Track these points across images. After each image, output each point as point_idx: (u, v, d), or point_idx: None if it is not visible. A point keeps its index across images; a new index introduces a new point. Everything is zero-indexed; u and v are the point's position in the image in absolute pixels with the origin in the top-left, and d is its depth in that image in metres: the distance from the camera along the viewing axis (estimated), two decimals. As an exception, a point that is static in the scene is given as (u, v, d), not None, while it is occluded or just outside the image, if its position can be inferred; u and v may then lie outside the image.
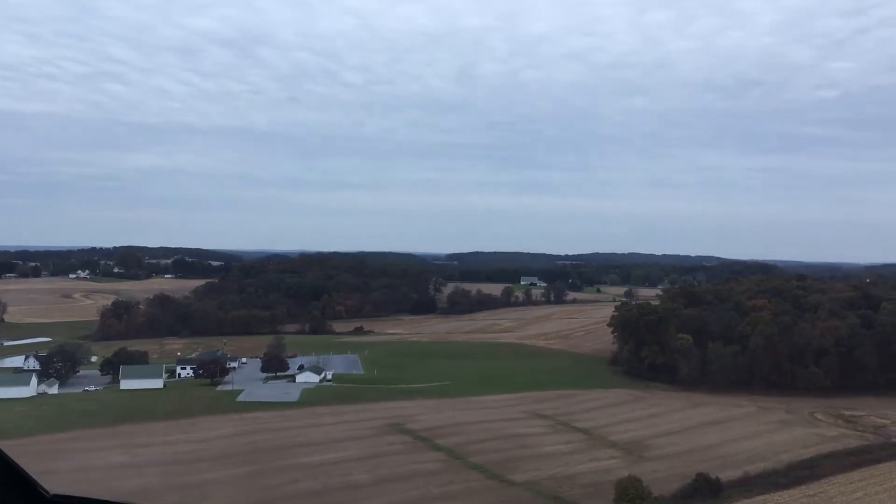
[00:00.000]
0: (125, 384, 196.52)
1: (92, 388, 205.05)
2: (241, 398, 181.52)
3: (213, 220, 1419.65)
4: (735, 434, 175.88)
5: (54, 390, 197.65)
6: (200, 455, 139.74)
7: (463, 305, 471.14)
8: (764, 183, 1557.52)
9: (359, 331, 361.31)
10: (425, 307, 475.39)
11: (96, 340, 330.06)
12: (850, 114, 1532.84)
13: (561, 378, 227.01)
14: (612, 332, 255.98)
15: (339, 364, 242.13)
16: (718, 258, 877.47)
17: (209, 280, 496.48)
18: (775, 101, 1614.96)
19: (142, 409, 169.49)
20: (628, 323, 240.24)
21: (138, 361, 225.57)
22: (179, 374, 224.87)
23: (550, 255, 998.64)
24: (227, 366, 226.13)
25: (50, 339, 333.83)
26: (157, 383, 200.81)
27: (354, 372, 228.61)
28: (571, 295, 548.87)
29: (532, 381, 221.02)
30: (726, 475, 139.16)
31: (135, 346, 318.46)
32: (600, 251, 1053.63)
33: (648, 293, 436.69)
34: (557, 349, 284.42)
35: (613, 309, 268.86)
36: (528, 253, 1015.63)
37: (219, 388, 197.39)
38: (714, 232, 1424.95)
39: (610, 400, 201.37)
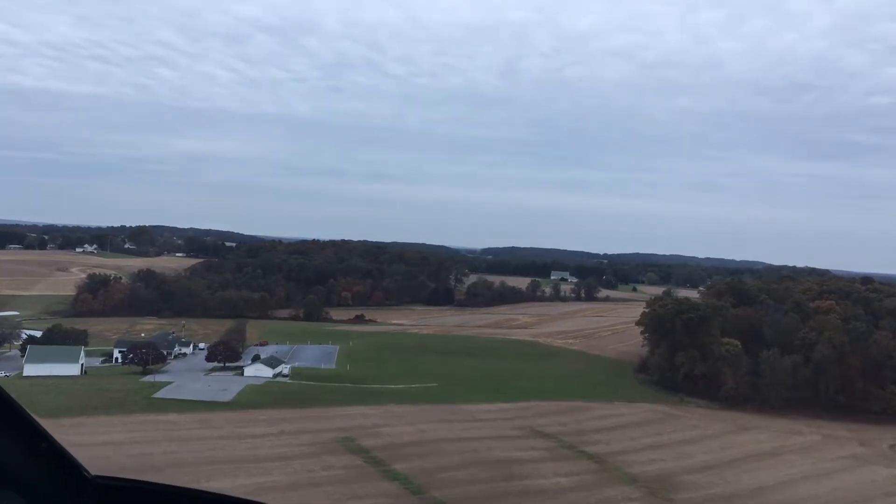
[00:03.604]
0: (29, 369, 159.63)
1: (2, 373, 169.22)
2: (161, 393, 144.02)
3: (251, 207, 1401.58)
4: (794, 472, 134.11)
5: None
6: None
7: (483, 298, 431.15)
8: (813, 189, 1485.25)
9: (359, 319, 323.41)
10: (442, 298, 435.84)
11: (67, 317, 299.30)
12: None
13: (574, 385, 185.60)
14: (642, 333, 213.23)
15: (309, 356, 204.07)
16: (764, 263, 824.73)
17: (210, 259, 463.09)
18: (827, 107, 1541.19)
19: (24, 402, 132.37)
20: (662, 321, 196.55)
21: (74, 341, 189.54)
22: (117, 359, 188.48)
23: (588, 254, 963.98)
24: (177, 351, 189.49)
25: (17, 313, 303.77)
26: (72, 369, 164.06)
27: (323, 366, 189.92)
28: (604, 292, 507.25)
29: (538, 387, 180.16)
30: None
31: (107, 323, 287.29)
32: (641, 251, 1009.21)
33: (689, 294, 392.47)
34: (576, 350, 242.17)
35: (645, 305, 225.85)
36: (565, 250, 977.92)
37: (145, 378, 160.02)
38: (760, 237, 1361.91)
39: (632, 417, 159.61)
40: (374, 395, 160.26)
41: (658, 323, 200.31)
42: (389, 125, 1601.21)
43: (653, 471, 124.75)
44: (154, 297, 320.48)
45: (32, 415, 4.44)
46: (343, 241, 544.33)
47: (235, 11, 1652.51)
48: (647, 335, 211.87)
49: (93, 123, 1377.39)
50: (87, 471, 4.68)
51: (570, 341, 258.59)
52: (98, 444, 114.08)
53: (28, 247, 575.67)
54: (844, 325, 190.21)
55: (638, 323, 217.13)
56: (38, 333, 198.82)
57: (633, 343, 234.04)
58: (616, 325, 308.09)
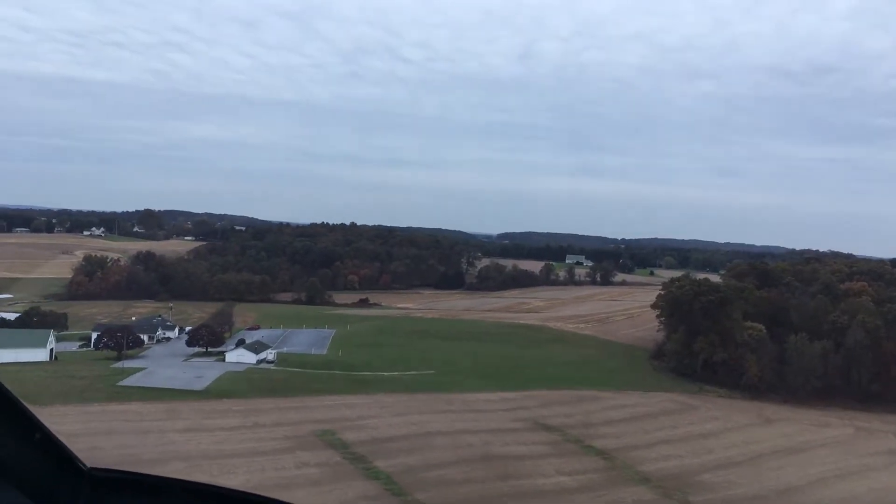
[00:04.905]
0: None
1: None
2: (129, 380, 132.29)
3: (266, 192, 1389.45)
4: (826, 469, 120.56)
5: None
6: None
7: (494, 281, 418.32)
8: (836, 173, 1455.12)
9: (363, 303, 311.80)
10: (452, 282, 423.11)
11: (62, 300, 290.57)
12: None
13: (583, 373, 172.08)
14: (658, 317, 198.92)
15: (301, 341, 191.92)
16: (786, 248, 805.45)
17: (213, 241, 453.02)
18: (849, 90, 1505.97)
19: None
20: (679, 304, 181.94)
21: (52, 325, 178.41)
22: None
23: (605, 238, 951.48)
24: (160, 335, 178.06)
25: (10, 296, 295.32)
26: (39, 355, 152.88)
27: (313, 351, 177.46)
28: (621, 276, 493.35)
29: (544, 374, 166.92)
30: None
31: (100, 306, 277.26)
32: (659, 236, 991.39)
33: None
34: (587, 335, 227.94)
35: (661, 287, 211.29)
36: (583, 235, 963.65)
37: (115, 364, 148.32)
38: (781, 222, 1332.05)
39: (646, 408, 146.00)
40: (364, 384, 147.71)
41: (675, 306, 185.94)
42: (406, 111, 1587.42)
43: (668, 468, 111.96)
44: (152, 279, 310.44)
45: (27, 405, 4.28)
46: (352, 224, 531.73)
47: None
48: (663, 319, 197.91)
49: (110, 110, 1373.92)
50: (82, 463, 4.59)
51: (582, 326, 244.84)
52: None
53: (35, 230, 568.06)
54: (878, 307, 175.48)
55: (653, 306, 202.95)
56: (13, 317, 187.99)
57: (648, 328, 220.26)
58: (631, 309, 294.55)
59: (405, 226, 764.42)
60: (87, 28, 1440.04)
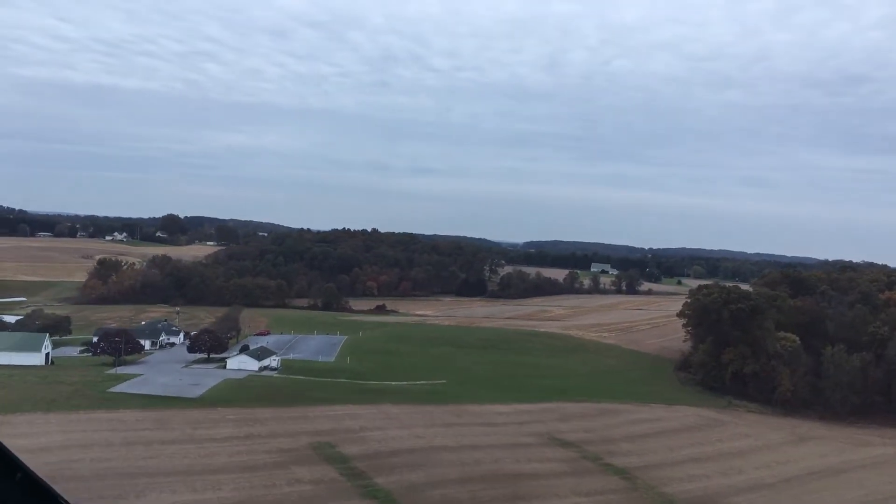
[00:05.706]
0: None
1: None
2: (121, 387, 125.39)
3: (294, 199, 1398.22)
4: (866, 492, 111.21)
5: None
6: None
7: (516, 289, 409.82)
8: (869, 184, 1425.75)
9: (380, 309, 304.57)
10: (474, 289, 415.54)
11: (75, 303, 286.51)
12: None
13: (604, 384, 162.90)
14: (684, 326, 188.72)
15: (310, 347, 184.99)
16: (817, 259, 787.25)
17: (230, 245, 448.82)
18: (882, 100, 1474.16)
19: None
20: (707, 313, 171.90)
21: (54, 329, 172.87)
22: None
23: (632, 248, 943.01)
24: (164, 340, 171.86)
25: (23, 299, 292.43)
26: (34, 359, 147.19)
27: (320, 359, 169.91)
28: (647, 285, 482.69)
29: (563, 385, 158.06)
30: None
31: (112, 310, 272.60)
32: (687, 246, 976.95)
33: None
34: (610, 344, 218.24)
35: (687, 295, 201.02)
36: (609, 244, 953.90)
37: (112, 369, 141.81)
38: (812, 232, 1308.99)
39: (671, 423, 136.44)
40: (371, 393, 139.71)
41: (703, 314, 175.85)
42: (433, 119, 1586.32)
43: (694, 490, 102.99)
44: (167, 283, 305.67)
45: (6, 446, 4.41)
46: (374, 230, 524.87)
47: (281, 6, 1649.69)
48: (689, 328, 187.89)
49: (142, 118, 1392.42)
50: (65, 501, 4.58)
51: (605, 335, 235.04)
52: (16, 450, 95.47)
53: (58, 235, 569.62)
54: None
55: (680, 315, 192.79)
56: (13, 319, 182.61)
57: (674, 338, 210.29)
58: (656, 318, 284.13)
59: (430, 233, 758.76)
60: (120, 38, 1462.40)
